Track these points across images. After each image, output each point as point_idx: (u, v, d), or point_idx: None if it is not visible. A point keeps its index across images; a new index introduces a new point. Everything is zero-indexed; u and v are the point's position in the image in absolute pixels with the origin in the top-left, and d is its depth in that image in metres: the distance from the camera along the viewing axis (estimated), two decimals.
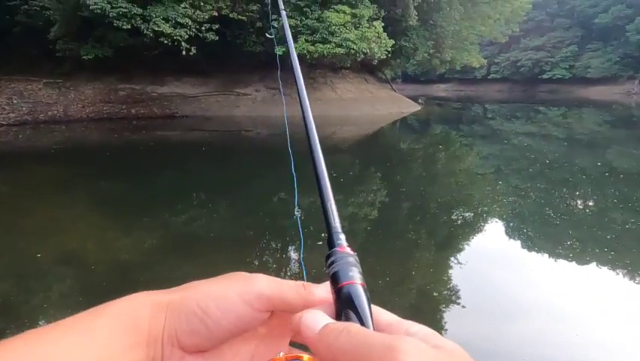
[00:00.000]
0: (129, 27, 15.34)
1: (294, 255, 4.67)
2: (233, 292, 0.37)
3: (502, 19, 30.48)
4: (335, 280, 0.36)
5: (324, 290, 0.39)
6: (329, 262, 0.38)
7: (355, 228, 5.26)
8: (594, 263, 4.21)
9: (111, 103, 17.47)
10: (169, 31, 15.61)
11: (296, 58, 0.53)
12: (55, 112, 16.02)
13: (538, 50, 53.13)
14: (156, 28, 15.46)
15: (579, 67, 50.26)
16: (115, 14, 14.97)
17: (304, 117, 0.56)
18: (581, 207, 6.38)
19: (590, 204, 6.51)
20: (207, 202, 6.62)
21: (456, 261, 4.31)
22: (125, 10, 15.10)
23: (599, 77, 47.94)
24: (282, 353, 0.37)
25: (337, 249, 0.39)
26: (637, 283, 3.78)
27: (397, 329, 0.32)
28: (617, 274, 3.99)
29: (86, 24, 16.79)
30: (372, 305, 0.35)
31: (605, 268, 4.08)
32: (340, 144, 12.29)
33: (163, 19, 15.66)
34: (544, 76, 52.82)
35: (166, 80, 19.33)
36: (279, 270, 4.19)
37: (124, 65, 18.35)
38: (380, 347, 0.27)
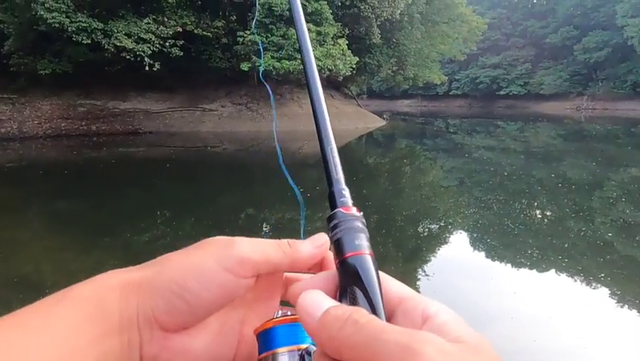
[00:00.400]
0: (89, 42, 14.95)
1: None
2: (212, 261, 0.33)
3: (461, 38, 31.88)
4: (339, 248, 0.31)
5: (309, 246, 0.36)
6: (331, 225, 0.33)
7: None
8: (552, 270, 4.38)
9: (70, 119, 16.85)
10: (131, 46, 15.32)
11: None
12: (9, 129, 15.28)
13: (495, 68, 55.70)
14: (118, 44, 15.14)
15: (533, 84, 52.99)
16: (74, 29, 14.57)
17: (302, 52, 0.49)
18: (539, 217, 6.65)
19: (547, 213, 6.80)
20: (172, 220, 6.45)
21: (422, 273, 4.38)
22: (85, 25, 14.73)
23: (552, 94, 50.70)
24: (280, 313, 0.34)
25: (341, 209, 0.33)
26: (593, 289, 3.96)
27: (413, 310, 0.28)
28: (574, 280, 4.17)
29: (42, 38, 16.22)
30: (381, 273, 0.31)
31: (562, 275, 4.25)
32: (307, 158, 12.34)
33: (125, 34, 15.37)
34: (502, 92, 55.32)
35: (129, 95, 18.88)
36: None
37: (84, 80, 17.80)
38: (395, 347, 0.23)
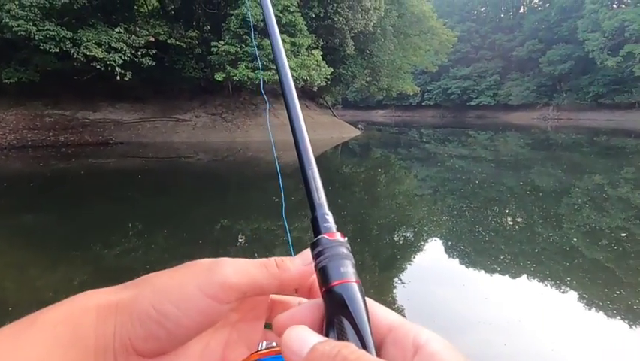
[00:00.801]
0: (57, 50, 14.55)
1: None
2: (193, 286, 0.31)
3: (432, 50, 32.75)
4: (324, 277, 0.30)
5: (299, 264, 0.34)
6: (314, 252, 0.32)
7: (299, 252, 5.24)
8: (522, 275, 4.50)
9: (36, 130, 16.29)
10: (102, 55, 15.00)
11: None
12: None
13: (466, 79, 57.39)
14: (88, 53, 14.79)
15: (502, 94, 54.83)
16: (41, 37, 14.16)
17: (277, 63, 0.47)
18: (509, 223, 6.83)
19: (517, 220, 6.99)
20: (144, 233, 6.29)
21: (398, 281, 4.42)
22: (53, 33, 14.33)
23: (519, 104, 52.57)
24: (264, 344, 0.33)
25: (325, 235, 0.32)
26: (560, 292, 4.08)
27: (403, 339, 0.27)
28: (543, 284, 4.29)
29: (8, 46, 15.69)
30: (368, 300, 0.30)
31: (532, 280, 4.37)
32: (284, 168, 12.27)
33: (95, 43, 15.04)
34: (472, 103, 56.97)
35: (99, 105, 18.43)
36: None
37: (52, 90, 17.28)
38: None
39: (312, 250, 0.32)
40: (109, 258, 5.03)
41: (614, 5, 44.39)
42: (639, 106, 41.62)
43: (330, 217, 0.34)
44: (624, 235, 5.77)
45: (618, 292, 3.96)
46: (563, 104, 49.40)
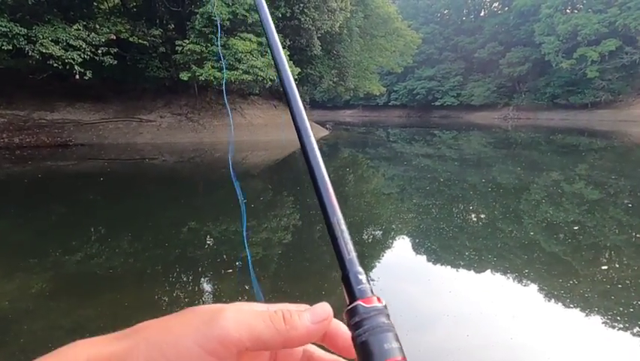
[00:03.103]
0: (10, 48, 13.83)
1: (206, 286, 4.48)
2: (191, 341, 0.28)
3: (397, 51, 33.34)
4: (366, 355, 0.27)
5: (309, 322, 0.31)
6: (352, 322, 0.29)
7: (268, 253, 5.23)
8: (484, 269, 4.67)
9: None
10: (59, 53, 14.37)
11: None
12: None
13: (430, 80, 58.75)
14: (44, 50, 14.14)
15: (465, 95, 56.49)
16: None
17: (294, 117, 0.41)
18: (473, 219, 7.06)
19: (481, 216, 7.24)
20: (107, 237, 6.09)
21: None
22: (6, 30, 13.62)
23: (481, 104, 54.35)
24: None
25: (361, 302, 0.29)
26: (520, 284, 4.26)
27: None
28: (504, 277, 4.47)
29: None
30: None
31: (494, 273, 4.55)
32: (252, 169, 12.21)
33: (52, 40, 14.39)
34: (437, 103, 58.41)
35: (56, 105, 17.65)
36: (191, 303, 3.98)
37: (4, 89, 16.40)
38: None
39: (348, 319, 0.29)
40: (70, 264, 4.85)
41: (568, 10, 46.63)
42: (591, 106, 43.93)
43: (363, 277, 0.31)
44: (577, 228, 6.09)
45: (572, 282, 4.19)
46: (522, 104, 51.44)
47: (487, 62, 55.59)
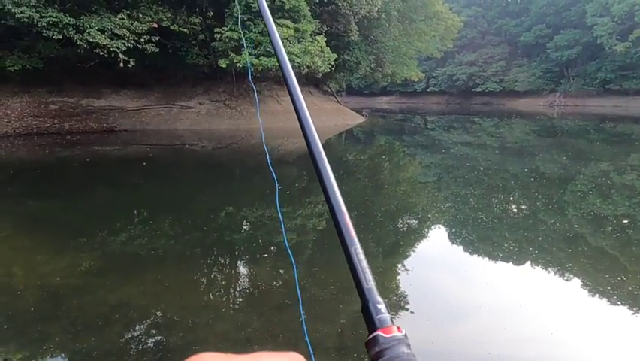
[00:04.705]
0: (61, 37, 14.49)
1: (243, 269, 4.59)
2: None
3: (437, 36, 32.31)
4: None
5: None
6: (373, 352, 0.29)
7: (304, 239, 5.28)
8: (524, 261, 4.52)
9: (41, 117, 16.34)
10: (105, 42, 14.92)
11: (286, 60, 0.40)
12: None
13: (471, 65, 56.69)
14: (91, 39, 14.73)
15: (508, 81, 54.19)
16: (44, 23, 14.10)
17: (306, 134, 0.40)
18: (513, 210, 6.83)
19: (523, 207, 6.99)
20: (149, 219, 6.35)
21: (402, 267, 4.45)
22: (56, 20, 14.26)
23: (526, 90, 51.99)
24: None
25: (381, 332, 0.29)
26: (562, 279, 4.10)
27: None
28: (545, 271, 4.31)
29: (11, 33, 15.64)
30: None
31: (534, 266, 4.39)
32: (287, 156, 12.31)
33: (98, 29, 14.96)
34: (478, 89, 56.38)
35: (102, 92, 18.42)
36: (227, 285, 4.10)
37: (55, 77, 17.27)
38: None
39: (369, 350, 0.29)
40: (115, 244, 5.09)
41: None
42: None
43: (382, 306, 0.31)
44: (627, 221, 5.76)
45: (619, 279, 3.97)
46: (569, 90, 48.82)
47: (532, 46, 52.94)
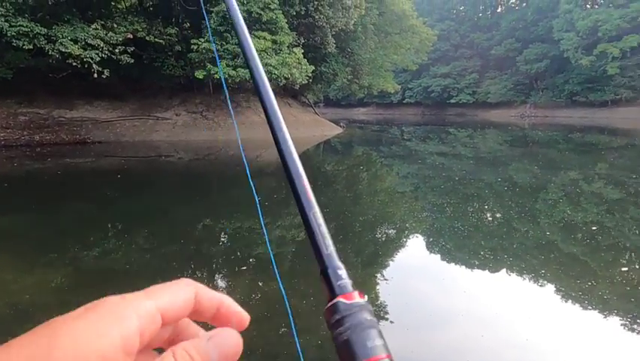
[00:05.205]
0: (31, 47, 14.15)
1: (221, 282, 4.53)
2: (94, 353, 0.25)
3: (412, 49, 33.08)
4: (349, 353, 0.26)
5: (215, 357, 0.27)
6: (332, 320, 0.27)
7: (282, 251, 5.25)
8: (500, 269, 4.62)
9: (10, 129, 15.82)
10: (78, 52, 14.64)
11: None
12: None
13: (445, 77, 58.13)
14: (63, 50, 14.43)
15: (481, 92, 55.75)
16: (14, 33, 13.75)
17: (268, 115, 0.40)
18: (489, 219, 6.98)
19: (496, 215, 7.15)
20: (124, 233, 6.20)
21: (381, 277, 4.47)
22: (27, 30, 13.93)
23: (498, 102, 53.56)
24: None
25: (341, 298, 0.28)
26: (536, 285, 4.20)
27: None
28: (520, 278, 4.41)
29: None
30: None
31: (509, 273, 4.49)
32: (265, 167, 12.27)
33: (71, 39, 14.68)
34: (452, 100, 57.77)
35: (75, 103, 18.00)
36: None
37: (25, 88, 16.80)
38: None
39: (328, 318, 0.28)
40: (88, 259, 4.94)
41: (588, 6, 45.60)
42: (611, 103, 42.92)
43: (343, 272, 0.29)
44: (595, 228, 5.97)
45: (590, 284, 4.11)
46: (539, 102, 50.53)
47: (503, 59, 54.74)
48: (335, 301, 0.28)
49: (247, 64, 0.41)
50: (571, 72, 46.47)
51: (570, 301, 3.81)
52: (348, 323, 0.26)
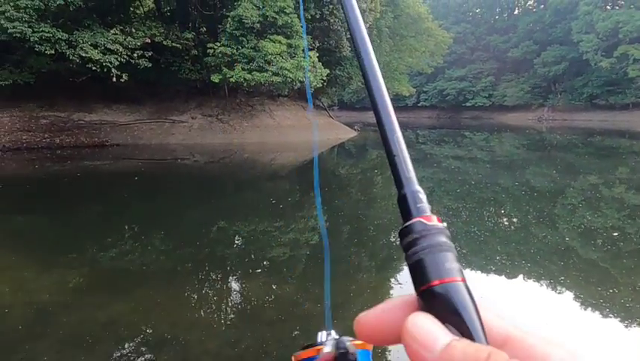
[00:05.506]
0: (53, 52, 14.51)
1: (235, 285, 4.55)
2: None
3: (428, 52, 32.89)
4: (422, 273, 0.25)
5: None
6: (407, 240, 0.26)
7: (296, 254, 5.25)
8: (517, 274, 4.53)
9: (31, 131, 16.22)
10: (98, 57, 14.96)
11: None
12: None
13: (461, 80, 57.59)
14: (83, 54, 14.76)
15: (497, 95, 55.06)
16: (36, 39, 14.12)
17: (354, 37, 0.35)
18: (505, 223, 6.87)
19: (513, 220, 7.03)
20: (140, 234, 6.28)
21: (395, 281, 4.43)
22: (49, 35, 14.29)
23: (514, 105, 52.81)
24: (324, 334, 0.27)
25: (420, 219, 0.26)
26: (557, 292, 4.11)
27: (528, 355, 0.23)
28: (539, 284, 4.32)
29: (2, 48, 15.63)
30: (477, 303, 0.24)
31: (527, 279, 4.40)
32: (280, 170, 12.33)
33: (91, 44, 15.01)
34: (468, 104, 57.18)
35: (94, 107, 18.37)
36: (219, 301, 4.05)
37: (47, 92, 17.22)
38: None
39: (403, 238, 0.26)
40: (105, 260, 5.02)
41: (608, 7, 44.72)
42: (633, 106, 41.93)
43: (423, 196, 0.28)
44: (617, 234, 5.82)
45: (612, 291, 4.00)
46: (557, 105, 49.68)
47: (520, 62, 54.01)
48: (413, 221, 0.26)
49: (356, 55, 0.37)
50: (590, 75, 45.58)
51: (590, 308, 3.72)
52: (424, 243, 0.25)
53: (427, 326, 0.23)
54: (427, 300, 0.24)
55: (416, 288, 0.25)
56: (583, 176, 11.10)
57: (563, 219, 6.87)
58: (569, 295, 4.02)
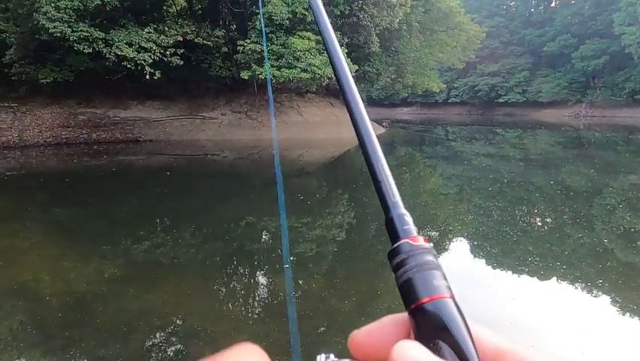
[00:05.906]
0: (90, 51, 15.05)
1: (262, 279, 4.61)
2: None
3: (459, 46, 32.10)
4: (411, 292, 0.26)
5: None
6: (395, 261, 0.27)
7: (323, 250, 5.26)
8: (551, 276, 4.38)
9: (70, 128, 16.92)
10: (133, 55, 15.42)
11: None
12: (10, 137, 15.33)
13: (494, 76, 55.97)
14: (119, 53, 15.25)
15: (531, 91, 53.22)
16: (75, 38, 14.68)
17: (334, 64, 0.38)
18: (538, 224, 6.65)
19: (547, 220, 6.81)
20: (172, 228, 6.45)
21: None
22: (87, 34, 14.84)
23: (550, 101, 50.92)
24: (322, 357, 0.28)
25: (407, 240, 0.28)
26: (591, 295, 3.95)
27: None
28: (573, 286, 4.17)
29: (44, 47, 16.35)
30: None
31: (561, 281, 4.25)
32: (307, 166, 12.37)
33: (126, 43, 15.48)
34: (500, 100, 55.54)
35: (129, 104, 18.97)
36: (247, 295, 4.11)
37: (84, 89, 17.90)
38: None
39: (392, 260, 0.27)
40: (138, 252, 5.19)
41: None
42: None
43: (409, 218, 0.29)
44: None
45: None
46: (596, 100, 47.59)
47: (557, 56, 51.97)
48: (400, 243, 0.28)
49: (332, 63, 0.40)
50: (633, 69, 43.38)
51: (629, 313, 3.56)
52: (412, 263, 0.26)
53: (415, 355, 0.23)
54: (418, 317, 0.25)
55: (407, 306, 0.26)
56: (623, 175, 10.61)
57: (600, 220, 6.60)
58: (606, 299, 3.86)
